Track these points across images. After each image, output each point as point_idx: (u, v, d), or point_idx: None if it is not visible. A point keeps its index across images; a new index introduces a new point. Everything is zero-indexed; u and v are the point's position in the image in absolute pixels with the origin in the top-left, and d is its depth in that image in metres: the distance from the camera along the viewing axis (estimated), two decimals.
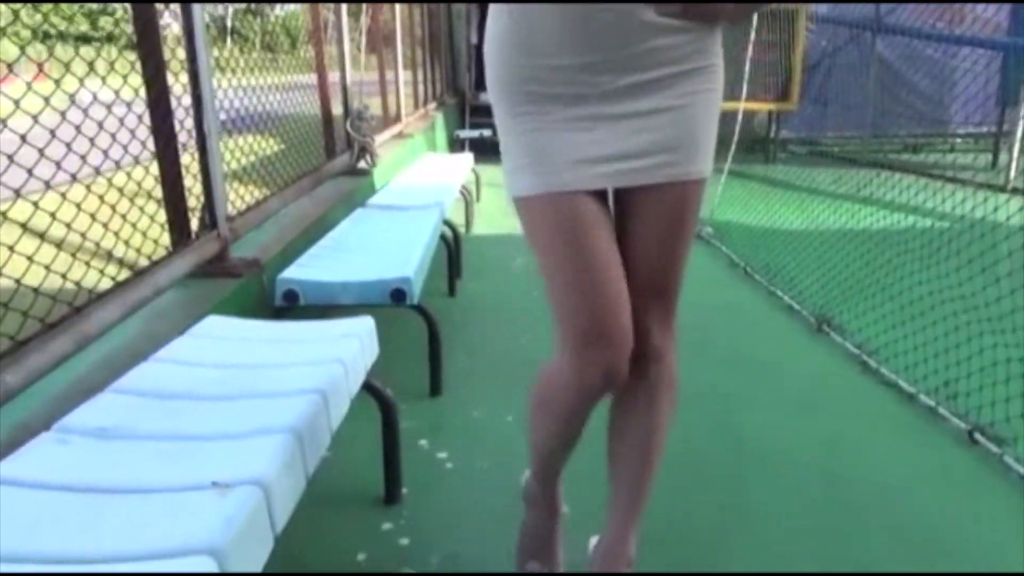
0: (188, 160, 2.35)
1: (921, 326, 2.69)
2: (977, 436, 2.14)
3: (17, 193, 1.57)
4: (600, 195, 1.25)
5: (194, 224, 2.39)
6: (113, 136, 1.90)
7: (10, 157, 1.54)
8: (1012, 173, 6.72)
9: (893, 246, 3.60)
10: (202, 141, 2.32)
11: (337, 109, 4.32)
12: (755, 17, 6.01)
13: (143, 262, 2.06)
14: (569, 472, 1.55)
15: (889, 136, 9.15)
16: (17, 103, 1.57)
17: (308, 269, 2.47)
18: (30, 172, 1.58)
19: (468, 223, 5.00)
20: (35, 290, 1.59)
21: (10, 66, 1.67)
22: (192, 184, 2.35)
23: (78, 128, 1.73)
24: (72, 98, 1.74)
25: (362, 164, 4.42)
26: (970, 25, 8.51)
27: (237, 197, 2.73)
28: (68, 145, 1.70)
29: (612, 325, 1.23)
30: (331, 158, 4.11)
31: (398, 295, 2.32)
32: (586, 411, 1.34)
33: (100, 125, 1.84)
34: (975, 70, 7.87)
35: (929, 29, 7.69)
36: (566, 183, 1.21)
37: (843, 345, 2.91)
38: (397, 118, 6.17)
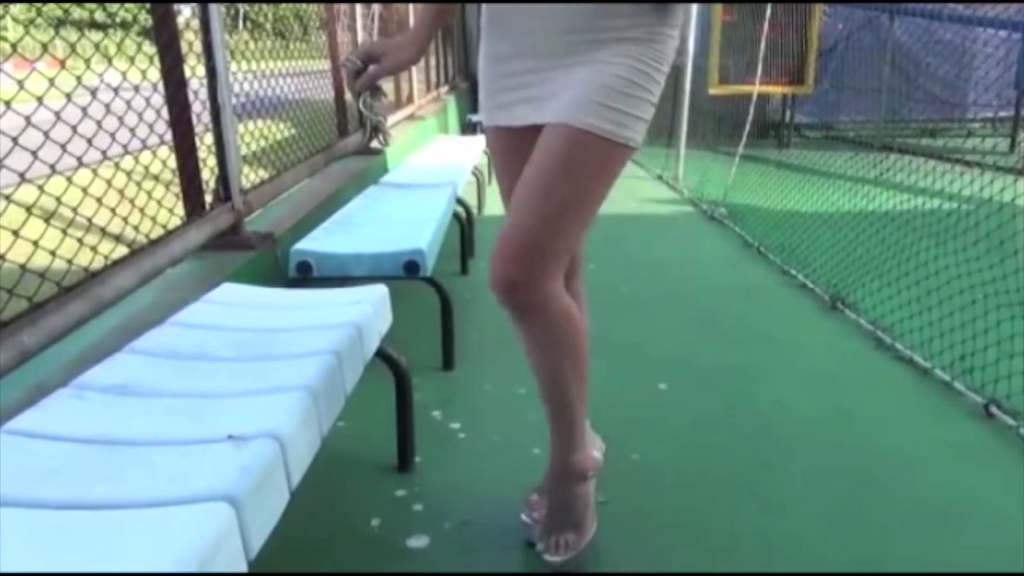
0: (203, 132, 2.36)
1: (936, 301, 2.66)
2: (993, 409, 2.13)
3: (53, 168, 1.57)
4: None
5: (208, 199, 2.40)
6: (121, 120, 1.90)
7: (46, 134, 1.55)
8: None
9: (907, 227, 3.57)
10: (216, 113, 2.32)
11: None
12: None
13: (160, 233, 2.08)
14: None
15: (905, 120, 9.06)
16: (52, 82, 1.57)
17: (321, 242, 2.47)
18: (63, 147, 1.59)
19: (480, 204, 4.99)
20: (52, 252, 1.61)
21: (32, 59, 1.68)
22: (206, 156, 2.36)
23: (99, 121, 1.74)
24: (78, 81, 1.75)
25: (375, 143, 4.40)
26: (991, 6, 8.39)
27: (252, 173, 2.74)
28: (97, 124, 1.71)
29: None
30: (344, 136, 4.11)
31: (411, 267, 2.32)
32: None
33: (108, 108, 1.85)
34: (994, 54, 7.78)
35: (947, 10, 7.59)
36: None
37: (857, 322, 2.89)
38: (409, 100, 6.16)
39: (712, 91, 7.68)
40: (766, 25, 5.99)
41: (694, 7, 6.32)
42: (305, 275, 2.33)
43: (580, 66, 1.30)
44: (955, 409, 2.22)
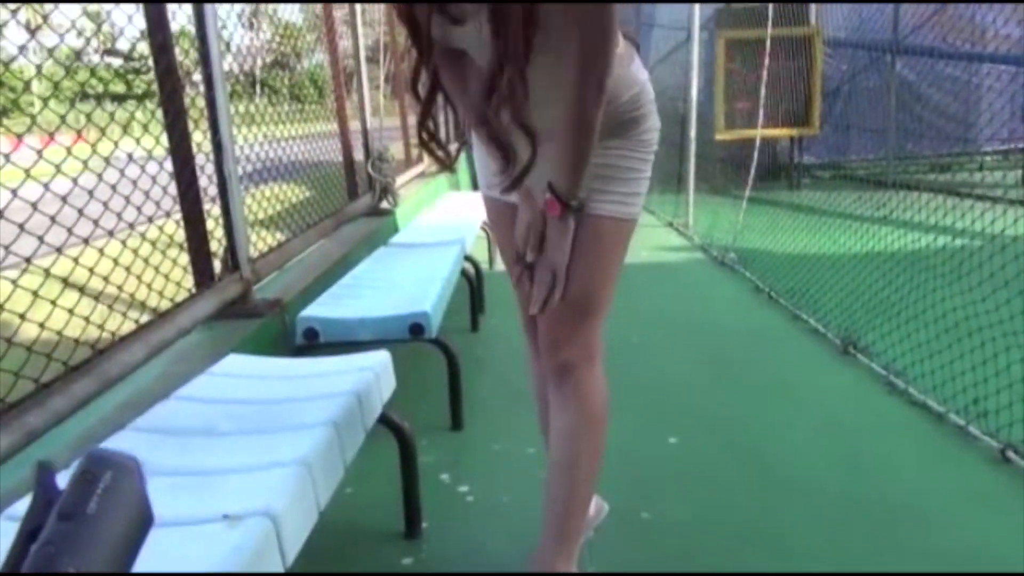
0: (210, 206, 2.42)
1: (947, 344, 2.63)
2: (1009, 454, 2.09)
3: (57, 251, 1.63)
4: None
5: (217, 267, 2.45)
6: (127, 200, 1.96)
7: (52, 218, 1.61)
8: None
9: (919, 266, 3.54)
10: (223, 185, 2.38)
11: (359, 153, 4.42)
12: (768, 44, 6.04)
13: (167, 306, 2.12)
14: None
15: (915, 157, 9.07)
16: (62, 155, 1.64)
17: (328, 307, 2.50)
18: (70, 231, 1.65)
19: (491, 259, 5.03)
20: (58, 333, 1.64)
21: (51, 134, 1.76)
22: (214, 228, 2.41)
23: (107, 199, 1.80)
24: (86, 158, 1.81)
25: (384, 204, 4.49)
26: (991, 41, 8.44)
27: (260, 239, 2.80)
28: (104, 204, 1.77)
29: None
30: (353, 199, 4.18)
31: (416, 329, 2.34)
32: None
33: (113, 189, 1.91)
34: (998, 87, 7.80)
35: (949, 48, 7.65)
36: None
37: (869, 366, 2.86)
38: (420, 159, 6.27)
39: (719, 136, 7.75)
40: (765, 72, 6.05)
41: (695, 53, 6.40)
42: (312, 341, 2.36)
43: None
44: (971, 454, 2.18)
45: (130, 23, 2.19)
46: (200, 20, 2.34)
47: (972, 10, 8.59)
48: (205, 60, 2.37)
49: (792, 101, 7.59)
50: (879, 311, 3.24)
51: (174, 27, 2.24)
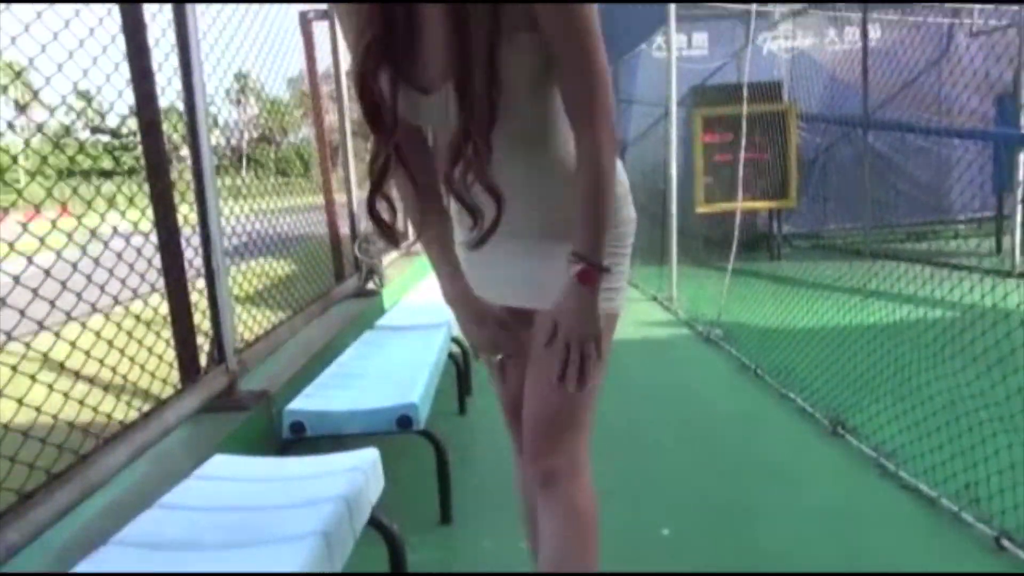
0: (197, 298, 2.42)
1: (936, 426, 2.64)
2: (1004, 542, 2.07)
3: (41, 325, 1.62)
4: None
5: (203, 359, 2.43)
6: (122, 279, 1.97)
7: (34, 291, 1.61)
8: (1017, 258, 6.75)
9: (904, 340, 3.57)
10: (211, 278, 2.39)
11: (345, 229, 4.43)
12: (744, 121, 6.22)
13: (154, 396, 2.10)
14: None
15: (891, 226, 9.26)
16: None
17: (314, 399, 2.48)
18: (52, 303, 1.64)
19: None
20: (42, 441, 1.61)
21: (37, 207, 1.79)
22: (200, 321, 2.40)
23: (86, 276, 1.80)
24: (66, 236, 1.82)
25: (370, 285, 4.50)
26: (957, 116, 8.74)
27: (249, 318, 2.79)
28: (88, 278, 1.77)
29: None
30: (340, 281, 4.19)
31: (404, 422, 2.32)
32: None
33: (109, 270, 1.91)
34: (968, 158, 8.04)
35: (919, 123, 7.91)
36: None
37: (859, 448, 2.85)
38: (405, 236, 6.32)
39: (699, 210, 7.89)
40: (741, 149, 6.21)
41: (673, 129, 6.56)
42: (299, 435, 2.33)
43: (555, 258, 1.32)
44: (966, 542, 2.16)
45: (120, 98, 2.20)
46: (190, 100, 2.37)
47: (937, 85, 8.94)
48: (197, 158, 2.40)
49: (769, 175, 7.78)
50: (866, 390, 3.25)
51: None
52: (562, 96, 1.25)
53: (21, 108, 2.39)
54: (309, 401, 2.45)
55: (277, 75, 3.69)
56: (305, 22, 4.04)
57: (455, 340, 3.71)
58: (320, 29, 4.16)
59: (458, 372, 3.66)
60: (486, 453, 3.10)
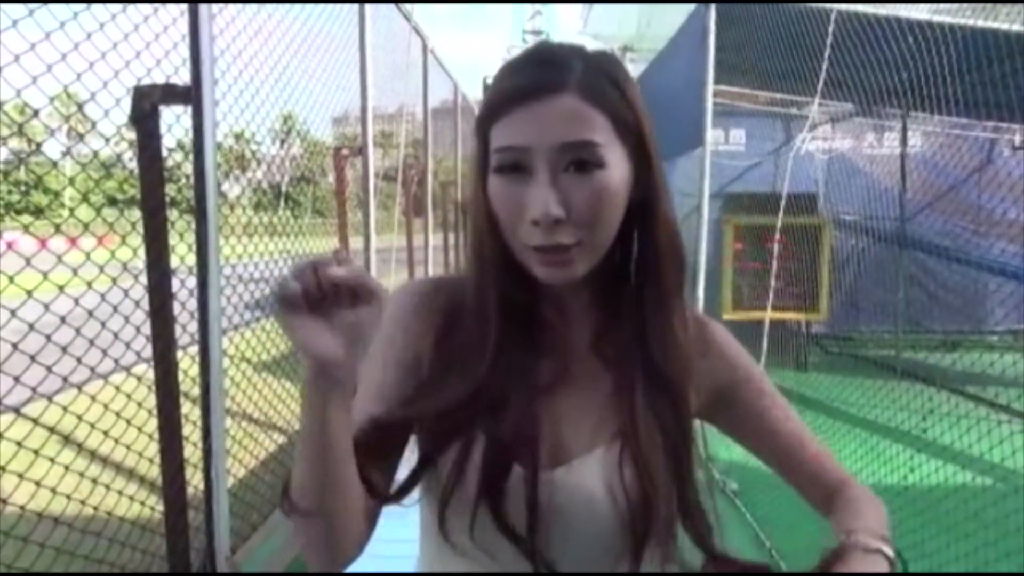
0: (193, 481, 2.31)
1: None
2: None
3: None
4: None
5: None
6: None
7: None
8: None
9: (956, 513, 3.20)
10: (208, 487, 2.28)
11: None
12: (779, 225, 6.07)
13: None
14: None
15: (924, 331, 9.01)
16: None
17: None
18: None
19: None
20: None
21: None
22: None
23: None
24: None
25: None
26: (995, 227, 8.53)
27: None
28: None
29: None
30: None
31: None
32: None
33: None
34: (1008, 270, 7.79)
35: (956, 245, 7.74)
36: None
37: None
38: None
39: (726, 316, 7.72)
40: (774, 260, 6.05)
41: (703, 238, 6.42)
42: None
43: None
44: None
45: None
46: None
47: (977, 193, 8.77)
48: (203, 319, 2.30)
49: (801, 285, 7.60)
50: None
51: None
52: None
53: (80, 136, 2.54)
54: None
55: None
56: (338, 158, 3.97)
57: None
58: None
59: None
60: None
